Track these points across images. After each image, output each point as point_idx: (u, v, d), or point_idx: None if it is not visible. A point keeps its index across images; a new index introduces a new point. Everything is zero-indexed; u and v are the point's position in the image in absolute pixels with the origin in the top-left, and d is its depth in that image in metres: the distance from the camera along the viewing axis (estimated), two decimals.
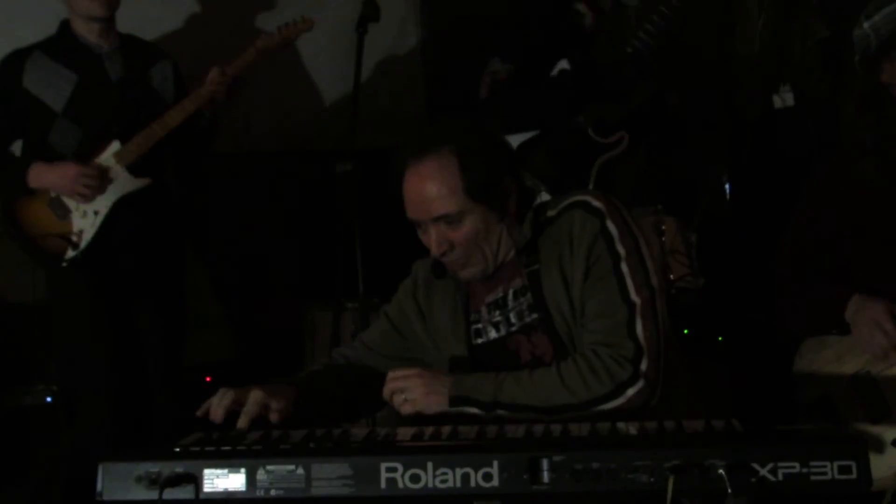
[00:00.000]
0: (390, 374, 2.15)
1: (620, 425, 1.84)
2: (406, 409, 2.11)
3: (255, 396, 2.07)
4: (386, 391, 2.14)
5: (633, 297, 2.12)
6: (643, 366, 2.06)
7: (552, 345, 2.20)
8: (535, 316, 2.22)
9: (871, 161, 2.59)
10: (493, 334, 2.28)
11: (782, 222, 2.78)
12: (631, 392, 2.05)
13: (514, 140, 3.37)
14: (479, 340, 2.30)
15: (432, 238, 2.19)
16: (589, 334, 2.14)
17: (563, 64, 3.38)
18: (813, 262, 2.66)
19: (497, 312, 2.28)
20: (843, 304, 2.55)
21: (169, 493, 1.69)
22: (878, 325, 2.48)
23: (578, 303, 2.16)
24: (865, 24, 2.62)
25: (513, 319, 2.26)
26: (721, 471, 1.60)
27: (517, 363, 2.23)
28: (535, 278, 2.21)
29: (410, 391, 2.11)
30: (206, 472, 1.70)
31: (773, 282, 2.73)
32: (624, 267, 2.14)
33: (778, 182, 3.80)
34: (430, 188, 2.14)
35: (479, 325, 2.30)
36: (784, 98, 3.63)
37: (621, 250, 2.15)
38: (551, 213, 2.26)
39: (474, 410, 2.08)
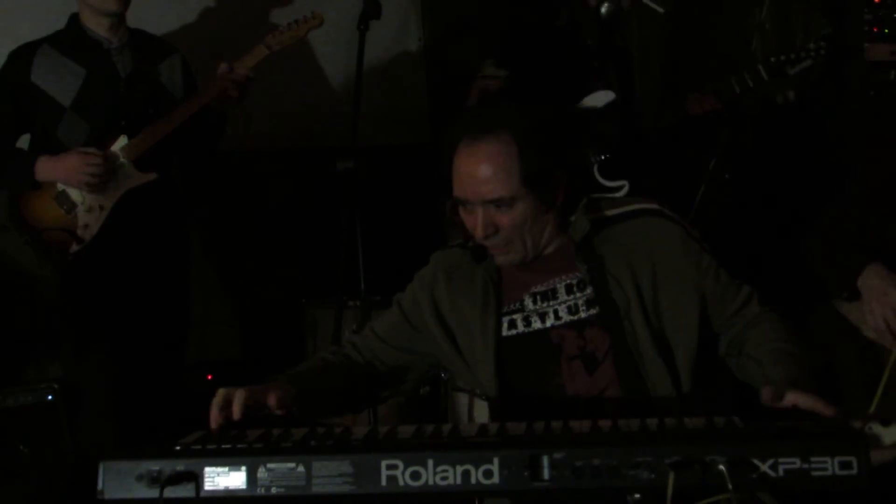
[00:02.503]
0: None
1: (621, 422, 1.84)
2: None
3: (239, 397, 2.01)
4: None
5: (739, 281, 2.25)
6: None
7: (610, 340, 2.21)
8: (593, 311, 2.22)
9: None
10: (534, 325, 2.26)
11: (786, 214, 2.78)
12: None
13: None
14: (512, 332, 2.28)
15: (479, 220, 2.17)
16: (740, 318, 2.22)
17: (608, 96, 3.34)
18: (858, 233, 2.66)
19: (545, 304, 2.26)
20: (858, 271, 2.54)
21: (170, 492, 1.69)
22: (887, 319, 2.48)
23: (679, 306, 2.20)
24: None
25: (561, 313, 2.25)
26: (722, 466, 1.59)
27: (557, 357, 2.23)
28: (600, 275, 2.21)
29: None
30: (207, 470, 1.70)
31: (809, 244, 2.73)
32: (714, 260, 2.24)
33: (779, 175, 3.80)
34: (486, 170, 2.13)
35: (515, 316, 2.28)
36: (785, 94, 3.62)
37: (707, 247, 2.26)
38: (611, 212, 2.28)
39: None
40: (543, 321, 2.25)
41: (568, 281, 2.25)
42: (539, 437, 1.78)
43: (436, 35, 4.73)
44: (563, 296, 2.25)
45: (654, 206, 2.29)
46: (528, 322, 2.27)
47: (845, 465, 1.59)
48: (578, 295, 2.24)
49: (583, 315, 2.23)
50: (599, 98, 3.34)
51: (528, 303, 2.27)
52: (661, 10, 3.38)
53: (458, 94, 4.37)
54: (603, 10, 3.38)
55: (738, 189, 3.72)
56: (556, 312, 2.25)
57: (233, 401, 2.00)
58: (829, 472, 1.59)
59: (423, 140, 4.64)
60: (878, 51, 3.67)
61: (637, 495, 1.67)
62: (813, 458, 1.59)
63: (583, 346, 2.22)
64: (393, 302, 2.43)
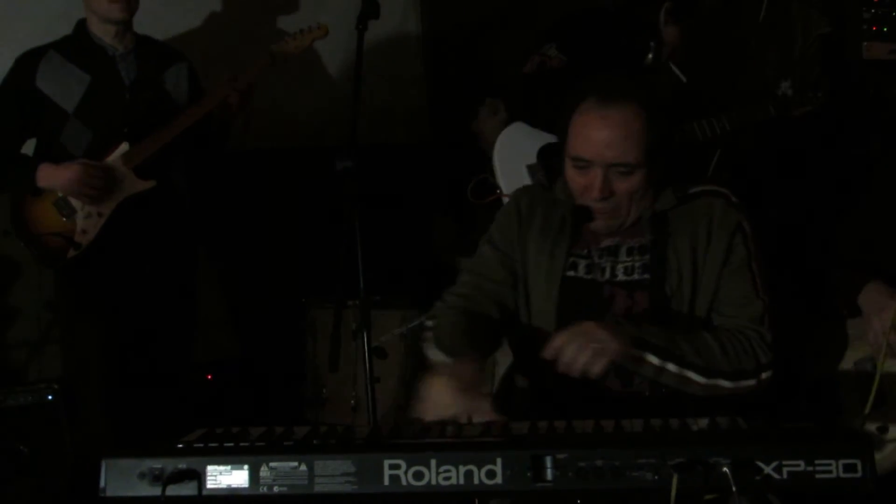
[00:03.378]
0: (556, 339, 2.12)
1: (625, 423, 1.84)
2: (586, 365, 2.07)
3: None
4: (550, 353, 2.10)
5: (762, 294, 2.28)
6: (772, 357, 2.22)
7: (652, 306, 2.28)
8: (646, 276, 2.29)
9: None
10: (594, 275, 2.33)
11: (790, 217, 2.78)
12: (764, 376, 2.21)
13: (542, 139, 3.35)
14: (572, 273, 2.34)
15: (597, 182, 2.24)
16: (728, 318, 2.27)
17: None
18: (865, 255, 2.66)
19: (607, 258, 2.33)
20: (858, 288, 2.55)
21: (172, 490, 1.69)
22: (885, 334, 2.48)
23: (709, 283, 2.28)
24: None
25: (618, 271, 2.33)
26: (725, 469, 1.60)
27: (604, 312, 2.30)
28: (662, 244, 2.30)
29: (584, 346, 2.07)
30: (210, 468, 1.70)
31: (796, 273, 2.74)
32: (754, 265, 2.30)
33: (781, 179, 3.80)
34: (617, 134, 2.22)
35: (578, 260, 2.35)
36: (785, 93, 3.62)
37: (752, 248, 2.32)
38: (692, 191, 2.36)
39: (651, 358, 2.13)
40: (602, 274, 2.32)
41: (631, 244, 2.33)
42: (542, 438, 1.78)
43: (435, 34, 4.73)
44: (623, 256, 2.33)
45: (724, 190, 2.38)
46: (589, 269, 2.34)
47: (849, 468, 1.59)
48: (637, 258, 2.32)
49: (635, 277, 2.31)
50: None
51: (595, 254, 2.34)
52: (684, 79, 3.40)
53: (458, 93, 4.38)
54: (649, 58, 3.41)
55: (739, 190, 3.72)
56: (613, 269, 2.33)
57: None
58: (833, 475, 1.59)
59: (423, 139, 4.63)
60: (877, 49, 3.67)
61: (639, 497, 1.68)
62: (817, 461, 1.60)
63: (630, 306, 2.30)
64: (482, 244, 2.48)
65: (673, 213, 2.33)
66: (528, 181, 3.35)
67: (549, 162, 3.31)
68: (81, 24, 3.50)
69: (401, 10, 4.61)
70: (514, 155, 3.35)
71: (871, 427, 2.44)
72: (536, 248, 2.38)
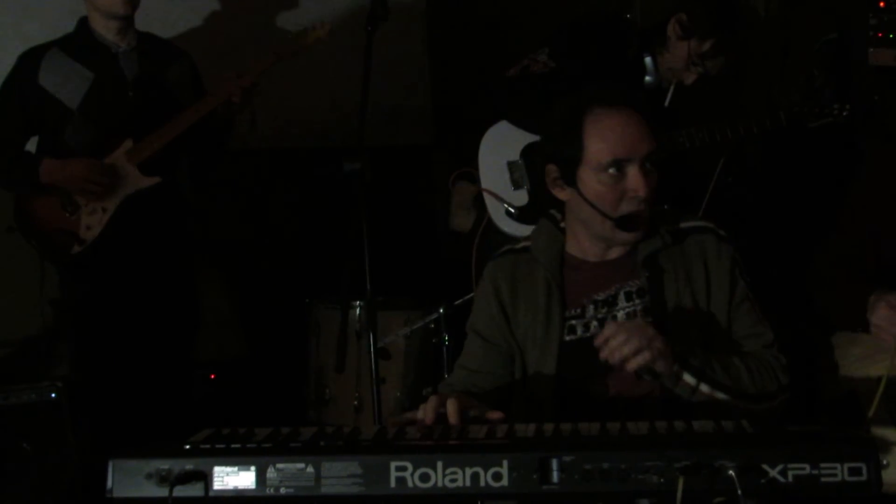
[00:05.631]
0: (610, 327, 2.10)
1: (630, 425, 1.84)
2: (629, 354, 2.06)
3: (453, 403, 2.01)
4: (601, 340, 2.08)
5: (766, 321, 2.31)
6: (789, 379, 2.25)
7: None
8: (649, 319, 2.24)
9: None
10: (593, 331, 2.28)
11: (792, 222, 2.77)
12: (781, 397, 2.23)
13: (525, 139, 3.36)
14: (571, 337, 2.30)
15: (641, 178, 2.20)
16: (745, 347, 2.28)
17: None
18: (857, 260, 2.66)
19: (605, 310, 2.30)
20: (865, 304, 2.55)
21: (179, 491, 1.69)
22: None
23: (721, 321, 2.28)
24: None
25: (620, 318, 2.28)
26: (731, 472, 1.59)
27: (610, 365, 2.22)
28: (658, 285, 2.26)
29: (634, 337, 2.06)
30: (216, 469, 1.70)
31: (810, 278, 2.73)
32: (752, 294, 2.32)
33: (785, 182, 3.80)
34: (640, 128, 2.21)
35: (575, 322, 2.31)
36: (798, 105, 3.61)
37: (748, 278, 2.33)
38: (681, 225, 2.34)
39: (688, 378, 2.12)
40: (602, 326, 2.27)
41: (628, 288, 2.30)
42: (548, 440, 1.78)
43: (441, 37, 4.73)
44: (622, 302, 2.30)
45: (710, 224, 2.36)
46: (587, 328, 2.30)
47: (855, 472, 1.59)
48: (637, 302, 2.29)
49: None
50: None
51: (590, 309, 2.31)
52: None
53: (464, 96, 4.38)
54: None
55: (744, 193, 3.73)
56: (615, 318, 2.28)
57: (448, 405, 2.00)
58: (838, 479, 1.59)
59: (429, 142, 4.64)
60: (883, 56, 3.68)
61: (645, 500, 1.68)
62: (823, 464, 1.60)
63: None
64: (468, 332, 2.43)
65: (664, 253, 2.30)
66: (506, 176, 3.36)
67: (532, 160, 3.32)
68: (83, 22, 3.51)
69: (408, 13, 4.61)
70: (496, 152, 3.37)
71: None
72: (527, 323, 2.32)
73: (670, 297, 2.26)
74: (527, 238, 2.44)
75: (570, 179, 2.26)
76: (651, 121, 2.24)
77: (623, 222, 2.24)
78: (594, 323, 2.29)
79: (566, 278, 2.33)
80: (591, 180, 2.23)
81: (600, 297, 2.30)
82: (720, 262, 2.28)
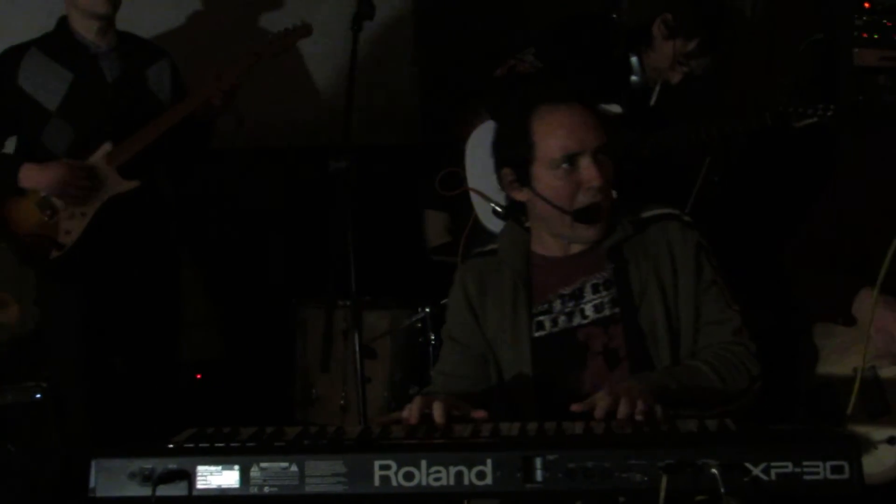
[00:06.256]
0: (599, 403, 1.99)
1: (614, 424, 1.84)
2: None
3: (439, 405, 2.00)
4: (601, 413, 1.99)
5: (735, 305, 2.29)
6: (760, 366, 2.24)
7: (626, 338, 2.25)
8: (616, 310, 2.26)
9: None
10: (561, 325, 2.30)
11: (776, 216, 2.78)
12: (755, 387, 2.22)
13: None
14: (540, 333, 2.31)
15: (594, 167, 2.21)
16: (712, 336, 2.26)
17: (615, 108, 3.36)
18: (832, 249, 2.67)
19: (572, 303, 2.30)
20: (850, 297, 2.56)
21: (162, 490, 1.69)
22: (892, 335, 2.49)
23: (688, 307, 2.27)
24: None
25: (588, 311, 2.29)
26: (714, 470, 1.60)
27: (585, 355, 2.27)
28: (623, 275, 2.27)
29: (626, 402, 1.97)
30: (200, 468, 1.70)
31: (784, 269, 2.74)
32: (720, 279, 2.30)
33: (769, 177, 3.82)
34: (589, 120, 2.23)
35: (542, 318, 2.31)
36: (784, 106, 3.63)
37: (715, 263, 2.32)
38: (644, 215, 2.34)
39: (658, 410, 2.03)
40: (571, 320, 2.30)
41: (594, 280, 2.30)
42: (532, 439, 1.78)
43: (429, 35, 4.73)
44: (589, 295, 2.30)
45: (674, 210, 2.37)
46: (555, 322, 2.31)
47: (837, 470, 1.60)
48: (604, 294, 2.29)
49: (607, 313, 2.28)
50: (612, 108, 3.37)
51: (557, 304, 2.31)
52: (618, 110, 3.41)
53: (451, 95, 4.38)
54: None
55: (729, 191, 3.74)
56: (582, 311, 2.29)
57: (434, 406, 1.99)
58: (820, 477, 1.60)
59: (416, 140, 4.64)
60: (868, 56, 3.69)
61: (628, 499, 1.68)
62: (805, 463, 1.60)
63: (607, 342, 2.27)
64: (443, 338, 2.44)
65: (628, 243, 2.31)
66: (493, 176, 3.40)
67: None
68: (63, 21, 3.47)
69: (395, 12, 4.61)
70: (483, 151, 3.38)
71: (881, 439, 2.45)
72: (497, 324, 2.33)
73: (636, 286, 2.26)
74: (495, 241, 2.45)
75: (525, 180, 2.28)
76: (599, 113, 2.26)
77: (581, 215, 2.25)
78: (562, 317, 2.30)
79: (533, 276, 2.34)
80: (546, 177, 2.25)
81: (566, 290, 2.31)
82: (685, 247, 2.29)
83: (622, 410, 1.93)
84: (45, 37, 3.48)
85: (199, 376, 4.27)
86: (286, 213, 4.46)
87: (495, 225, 3.31)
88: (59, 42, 3.46)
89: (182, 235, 3.89)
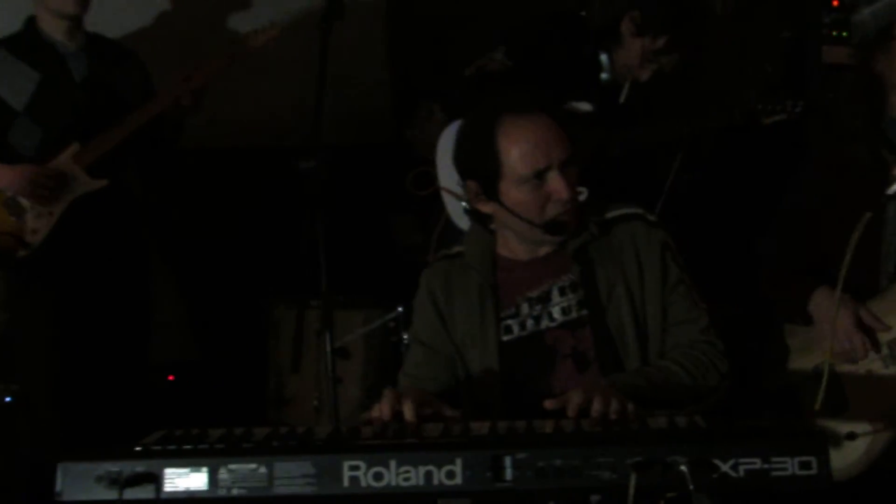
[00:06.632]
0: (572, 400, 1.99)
1: (583, 422, 1.85)
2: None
3: (409, 402, 2.00)
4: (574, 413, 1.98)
5: (701, 304, 2.30)
6: (728, 364, 2.25)
7: (595, 340, 2.25)
8: (584, 312, 2.26)
9: (863, 148, 2.62)
10: (528, 328, 2.29)
11: (746, 213, 2.80)
12: (725, 385, 2.24)
13: None
14: (508, 337, 2.30)
15: (562, 182, 2.19)
16: (681, 336, 2.27)
17: (585, 106, 3.37)
18: (798, 248, 2.68)
19: (539, 307, 2.30)
20: (807, 296, 2.58)
21: (129, 493, 1.67)
22: (847, 335, 2.51)
23: (655, 307, 2.27)
24: (866, 10, 2.63)
25: (555, 314, 2.29)
26: (683, 467, 1.60)
27: (554, 358, 2.27)
28: (590, 277, 2.26)
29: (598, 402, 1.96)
30: (167, 471, 1.69)
31: (753, 271, 2.76)
32: (686, 277, 2.31)
33: (742, 177, 3.84)
34: (555, 132, 2.20)
35: (510, 322, 2.31)
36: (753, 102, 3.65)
37: (681, 262, 2.33)
38: (607, 216, 2.34)
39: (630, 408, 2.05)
40: (538, 324, 2.29)
41: (561, 283, 2.30)
42: (502, 438, 1.78)
43: (400, 34, 4.73)
44: (556, 298, 2.30)
45: (639, 210, 2.36)
46: (523, 326, 2.30)
47: (805, 465, 1.60)
48: (571, 296, 2.29)
49: (575, 315, 2.27)
50: (582, 105, 3.37)
51: (524, 307, 2.31)
52: (588, 108, 3.41)
53: (423, 94, 4.37)
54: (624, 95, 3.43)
55: (700, 188, 3.75)
56: (550, 315, 2.29)
57: (403, 402, 1.99)
58: (788, 472, 1.60)
59: (387, 140, 4.63)
60: (836, 54, 3.72)
61: (598, 496, 1.68)
62: (773, 459, 1.61)
63: (575, 345, 2.27)
64: (409, 341, 2.44)
65: (593, 245, 2.30)
66: None
67: None
68: (31, 21, 3.45)
69: (367, 10, 4.60)
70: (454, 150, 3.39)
71: (841, 434, 2.47)
72: (464, 328, 2.32)
73: (603, 288, 2.26)
74: (460, 244, 2.44)
75: (492, 194, 2.26)
76: (564, 120, 2.24)
77: (550, 227, 2.24)
78: (529, 321, 2.30)
79: (499, 280, 2.33)
80: (513, 192, 2.22)
81: (534, 294, 2.30)
82: (650, 247, 2.29)
83: (596, 408, 1.93)
84: (12, 36, 3.46)
85: (171, 378, 4.24)
86: (258, 213, 4.44)
87: (467, 224, 3.31)
88: (26, 42, 3.44)
89: (153, 235, 3.87)
